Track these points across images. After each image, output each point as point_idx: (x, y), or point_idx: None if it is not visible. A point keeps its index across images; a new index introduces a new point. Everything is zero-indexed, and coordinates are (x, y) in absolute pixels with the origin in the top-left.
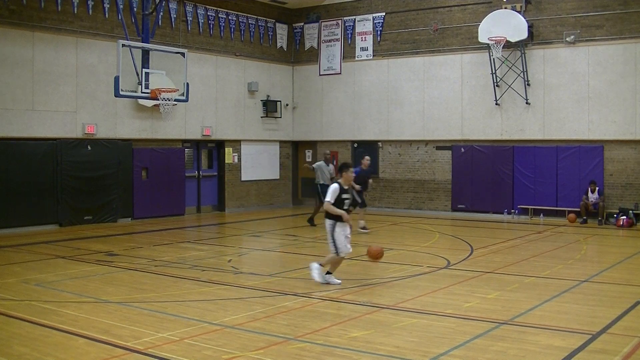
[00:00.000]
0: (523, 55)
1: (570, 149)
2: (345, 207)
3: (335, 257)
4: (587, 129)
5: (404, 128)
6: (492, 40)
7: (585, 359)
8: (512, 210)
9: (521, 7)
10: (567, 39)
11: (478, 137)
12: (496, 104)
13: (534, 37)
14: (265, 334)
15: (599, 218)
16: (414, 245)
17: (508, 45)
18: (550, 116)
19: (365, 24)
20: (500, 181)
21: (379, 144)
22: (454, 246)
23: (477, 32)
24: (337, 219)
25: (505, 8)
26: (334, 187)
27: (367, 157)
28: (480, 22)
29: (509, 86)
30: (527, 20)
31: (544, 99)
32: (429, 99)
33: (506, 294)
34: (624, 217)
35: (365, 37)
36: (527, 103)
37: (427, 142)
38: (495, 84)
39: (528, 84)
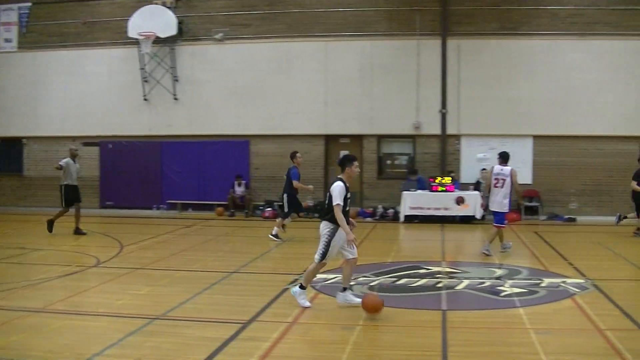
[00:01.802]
0: (172, 51)
1: (218, 143)
2: (347, 209)
3: (317, 265)
4: (234, 124)
5: (51, 124)
6: (141, 35)
7: (238, 347)
8: (161, 206)
9: (171, 3)
10: (216, 37)
11: (126, 132)
12: (145, 99)
13: (183, 34)
14: None
15: (246, 210)
16: (62, 244)
17: (158, 41)
18: (198, 112)
19: (10, 14)
20: (149, 177)
21: (24, 140)
22: (103, 244)
23: (127, 27)
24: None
25: (156, 4)
26: (339, 187)
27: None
28: (130, 16)
29: (158, 82)
30: (176, 17)
31: (192, 95)
32: (77, 94)
33: (158, 289)
34: (269, 208)
35: (9, 28)
36: (175, 99)
37: (74, 138)
38: (144, 79)
39: (176, 80)
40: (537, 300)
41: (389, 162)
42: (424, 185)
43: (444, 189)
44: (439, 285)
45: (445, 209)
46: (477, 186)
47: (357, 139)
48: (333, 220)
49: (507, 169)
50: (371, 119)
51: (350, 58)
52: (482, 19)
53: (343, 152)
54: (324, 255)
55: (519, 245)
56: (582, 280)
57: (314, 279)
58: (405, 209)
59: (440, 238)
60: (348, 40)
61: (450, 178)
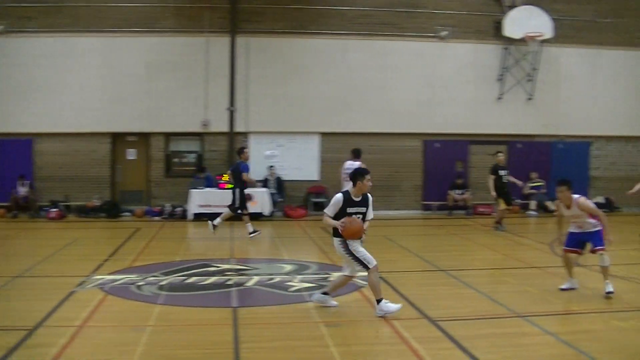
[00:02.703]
0: None
1: None
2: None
3: (373, 275)
4: (17, 122)
5: None
6: None
7: (23, 355)
8: None
9: None
10: None
11: None
12: None
13: None
14: None
15: (30, 211)
16: None
17: None
18: None
19: None
20: None
21: None
22: None
23: None
24: None
25: None
26: (337, 199)
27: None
28: None
29: None
30: None
31: None
32: None
33: None
34: (55, 209)
35: None
36: None
37: None
38: None
39: None
40: None
41: (176, 160)
42: (212, 183)
43: (232, 186)
44: (229, 282)
45: None
46: (265, 183)
47: (145, 137)
48: (337, 233)
49: (357, 164)
50: (159, 117)
51: (137, 54)
52: (272, 17)
53: (130, 150)
54: (365, 265)
55: (307, 240)
56: None
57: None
58: (193, 207)
59: (229, 235)
60: (135, 36)
61: None
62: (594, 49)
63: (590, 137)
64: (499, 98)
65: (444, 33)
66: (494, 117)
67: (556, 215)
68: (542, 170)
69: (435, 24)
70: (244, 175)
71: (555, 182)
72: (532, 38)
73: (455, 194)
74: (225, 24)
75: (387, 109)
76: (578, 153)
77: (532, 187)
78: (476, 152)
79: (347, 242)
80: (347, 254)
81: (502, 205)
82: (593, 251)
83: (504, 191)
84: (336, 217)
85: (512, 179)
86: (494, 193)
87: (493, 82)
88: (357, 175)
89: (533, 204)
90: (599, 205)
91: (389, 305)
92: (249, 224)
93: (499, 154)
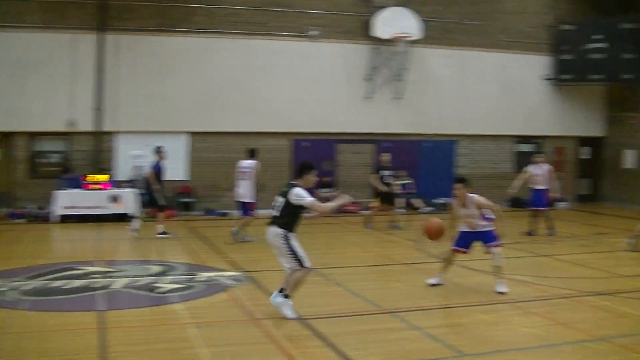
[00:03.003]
0: None
1: None
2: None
3: (302, 274)
4: None
5: None
6: None
7: None
8: None
9: None
10: None
11: None
12: None
13: None
14: None
15: None
16: None
17: None
18: None
19: None
20: None
21: None
22: None
23: None
24: (291, 228)
25: None
26: (303, 190)
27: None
28: None
29: None
30: None
31: None
32: None
33: None
34: None
35: None
36: None
37: None
38: None
39: None
40: (194, 295)
41: (41, 160)
42: (78, 183)
43: (99, 187)
44: (95, 285)
45: (100, 207)
46: (132, 183)
47: (7, 136)
48: (283, 225)
49: (251, 162)
50: (22, 116)
51: (0, 51)
52: (142, 15)
53: None
54: (300, 262)
55: (174, 241)
56: (237, 273)
57: None
58: (58, 209)
59: (96, 237)
60: None
61: (106, 176)
62: (461, 50)
63: (457, 135)
64: (368, 97)
65: (313, 32)
66: (362, 116)
67: (451, 213)
68: (410, 168)
69: (304, 23)
70: (150, 173)
71: (453, 181)
72: (401, 39)
73: (322, 192)
74: (94, 20)
75: (256, 108)
76: (444, 151)
77: (400, 185)
78: (344, 150)
79: (288, 236)
80: (286, 247)
81: (376, 204)
82: (487, 250)
83: (384, 191)
84: (294, 211)
85: (391, 181)
86: (383, 187)
87: (362, 81)
88: (304, 169)
89: (401, 201)
90: None
91: (287, 309)
92: (136, 223)
93: (383, 154)
